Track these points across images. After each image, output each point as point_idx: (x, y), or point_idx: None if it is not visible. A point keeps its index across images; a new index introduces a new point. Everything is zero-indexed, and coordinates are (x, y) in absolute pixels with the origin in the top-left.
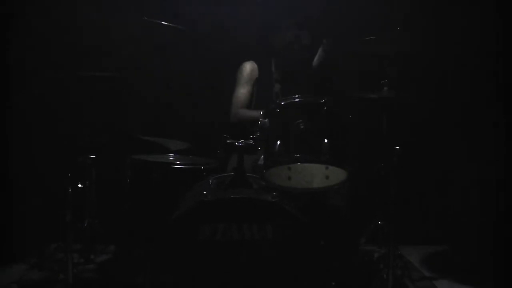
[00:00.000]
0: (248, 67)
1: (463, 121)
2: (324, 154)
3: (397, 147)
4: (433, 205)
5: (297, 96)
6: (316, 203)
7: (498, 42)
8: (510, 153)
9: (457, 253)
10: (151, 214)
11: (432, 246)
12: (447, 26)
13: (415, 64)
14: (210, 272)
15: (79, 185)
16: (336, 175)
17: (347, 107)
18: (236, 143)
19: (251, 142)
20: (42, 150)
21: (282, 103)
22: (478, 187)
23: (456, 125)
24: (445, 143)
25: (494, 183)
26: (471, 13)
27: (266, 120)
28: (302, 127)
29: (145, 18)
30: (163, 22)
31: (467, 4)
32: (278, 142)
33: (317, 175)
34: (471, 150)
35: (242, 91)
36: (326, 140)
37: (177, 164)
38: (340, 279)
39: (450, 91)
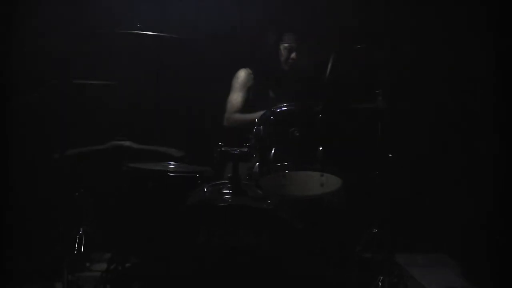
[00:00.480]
0: (243, 74)
1: (459, 126)
2: (319, 161)
3: (390, 154)
4: (430, 212)
5: (291, 103)
6: (311, 211)
7: (494, 44)
8: (507, 158)
9: (454, 261)
10: (146, 222)
11: (429, 254)
12: (441, 30)
13: (409, 70)
14: (205, 280)
15: (75, 193)
16: (331, 182)
17: (342, 114)
18: (231, 151)
19: (246, 149)
20: (36, 157)
21: (277, 110)
22: (475, 194)
23: (452, 130)
24: (441, 149)
25: (492, 190)
26: (466, 15)
27: (261, 127)
28: (297, 134)
29: (139, 25)
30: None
31: (463, 6)
32: (273, 150)
33: (312, 182)
34: (468, 156)
35: (236, 96)
36: (321, 148)
37: (173, 172)
38: (335, 286)
39: (445, 95)
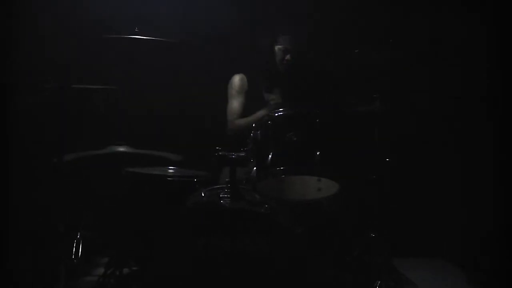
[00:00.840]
0: (238, 79)
1: (458, 128)
2: (316, 166)
3: (387, 159)
4: (428, 216)
5: (289, 107)
6: (309, 215)
7: (491, 48)
8: (505, 163)
9: (452, 266)
10: (144, 226)
11: (427, 258)
12: (440, 31)
13: (407, 75)
14: (202, 284)
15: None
16: (328, 187)
17: (339, 118)
18: (229, 155)
19: (243, 154)
20: (35, 161)
21: (274, 115)
22: (474, 197)
23: (450, 133)
24: (439, 153)
25: (490, 193)
26: (462, 18)
27: (258, 132)
28: (294, 138)
29: (136, 29)
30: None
31: (459, 9)
32: (270, 154)
33: (309, 187)
34: (466, 160)
35: (235, 103)
36: (318, 152)
37: (171, 176)
38: None
39: (442, 100)
